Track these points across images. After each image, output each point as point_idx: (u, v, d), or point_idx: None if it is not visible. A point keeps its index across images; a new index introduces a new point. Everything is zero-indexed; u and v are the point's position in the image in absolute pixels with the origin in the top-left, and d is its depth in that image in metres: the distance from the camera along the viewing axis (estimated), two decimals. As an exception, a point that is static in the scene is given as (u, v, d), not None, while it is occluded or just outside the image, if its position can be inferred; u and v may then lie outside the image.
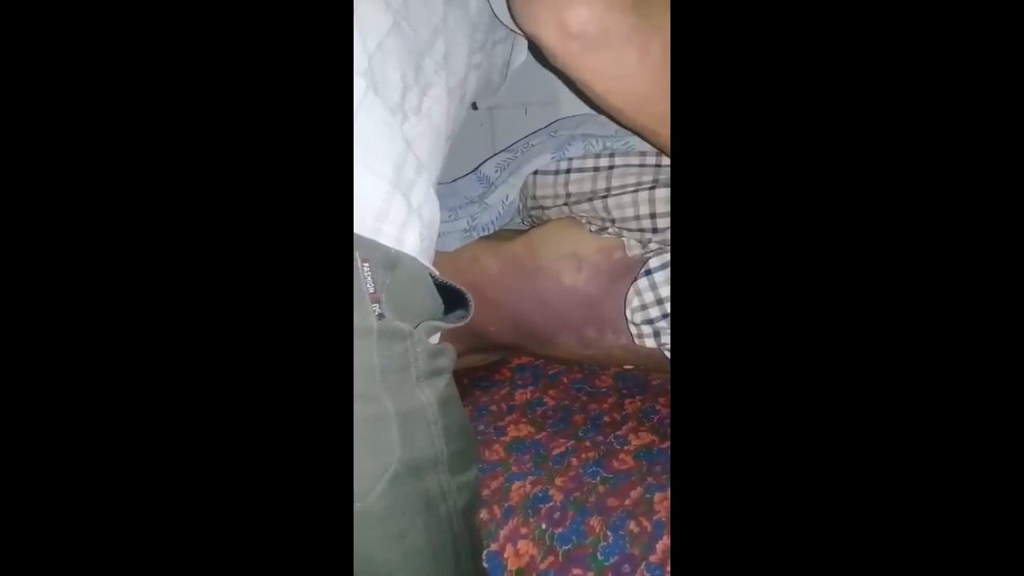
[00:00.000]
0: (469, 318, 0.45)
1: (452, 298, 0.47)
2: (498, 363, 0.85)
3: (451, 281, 0.46)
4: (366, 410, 0.41)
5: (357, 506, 0.40)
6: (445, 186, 0.85)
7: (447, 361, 0.47)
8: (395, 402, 0.42)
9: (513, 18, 0.55)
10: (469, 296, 0.46)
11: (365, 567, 0.41)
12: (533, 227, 0.82)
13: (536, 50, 0.56)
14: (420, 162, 0.46)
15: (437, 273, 0.46)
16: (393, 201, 0.43)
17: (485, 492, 0.66)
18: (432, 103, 0.50)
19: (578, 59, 0.51)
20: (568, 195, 0.76)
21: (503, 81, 0.67)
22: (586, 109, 0.82)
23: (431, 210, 0.47)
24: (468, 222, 0.80)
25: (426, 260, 0.46)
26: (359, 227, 0.41)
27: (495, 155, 0.84)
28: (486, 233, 0.81)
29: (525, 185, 0.80)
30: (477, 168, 0.84)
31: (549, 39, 0.52)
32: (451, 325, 0.45)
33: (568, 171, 0.76)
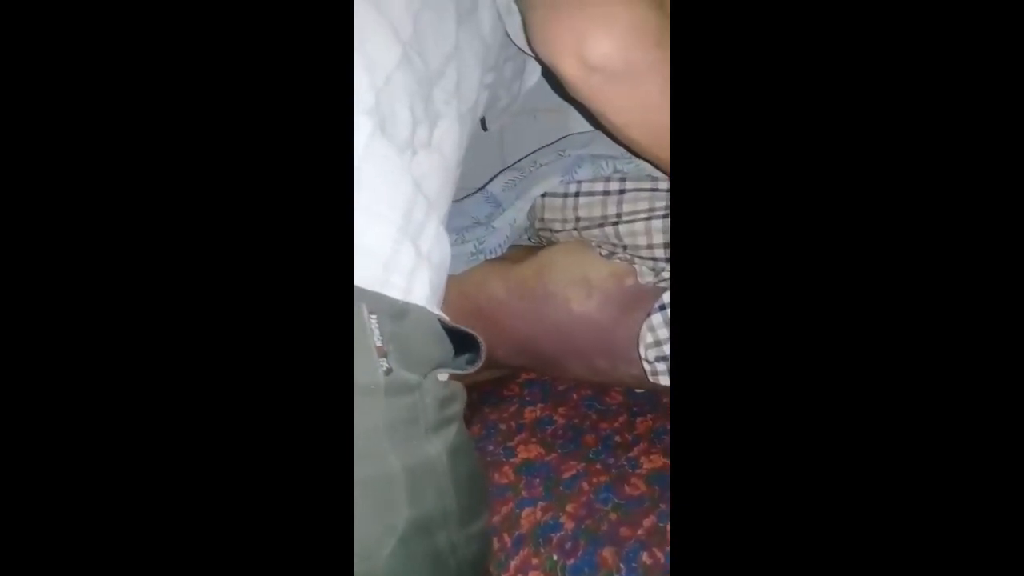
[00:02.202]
0: (480, 363, 0.42)
1: (462, 340, 0.43)
2: (506, 378, 0.87)
3: (461, 326, 0.42)
4: (371, 470, 0.38)
5: (362, 567, 0.37)
6: (452, 205, 0.81)
7: (458, 407, 0.45)
8: (402, 458, 0.40)
9: (530, 45, 0.51)
10: (480, 340, 0.43)
11: None
12: (541, 247, 0.83)
13: (551, 77, 0.51)
14: (430, 202, 0.44)
15: (447, 319, 0.42)
16: (401, 249, 0.41)
17: (495, 518, 0.68)
18: (442, 135, 0.47)
19: (598, 92, 0.49)
20: (578, 219, 0.77)
21: (513, 99, 0.63)
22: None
23: (441, 252, 0.44)
24: (475, 245, 0.81)
25: (435, 305, 0.43)
26: (366, 279, 0.39)
27: (502, 172, 0.86)
28: (493, 256, 0.82)
29: (533, 207, 0.80)
30: (484, 187, 0.86)
31: (568, 70, 0.51)
32: (462, 371, 0.42)
33: (577, 195, 0.77)
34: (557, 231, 0.78)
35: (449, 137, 0.51)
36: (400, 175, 0.44)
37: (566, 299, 0.76)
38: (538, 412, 0.82)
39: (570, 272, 0.77)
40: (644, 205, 0.71)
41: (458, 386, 0.48)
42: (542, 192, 0.78)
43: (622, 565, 0.61)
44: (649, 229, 0.70)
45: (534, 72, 0.67)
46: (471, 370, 0.46)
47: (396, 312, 0.42)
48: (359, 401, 0.40)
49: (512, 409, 0.82)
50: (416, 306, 0.44)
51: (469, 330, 0.46)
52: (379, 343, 0.40)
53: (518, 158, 0.87)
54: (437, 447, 0.44)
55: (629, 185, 0.73)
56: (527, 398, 0.84)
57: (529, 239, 0.84)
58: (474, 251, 0.79)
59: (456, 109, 0.51)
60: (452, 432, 0.46)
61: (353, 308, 0.39)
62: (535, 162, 0.82)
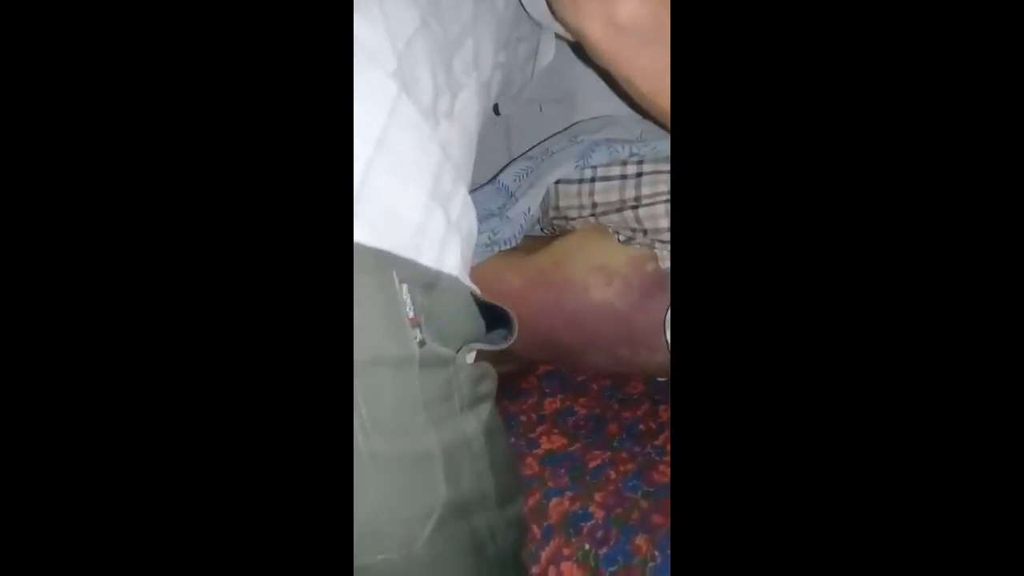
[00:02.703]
0: (514, 338, 0.40)
1: (492, 317, 0.45)
2: (523, 370, 0.85)
3: (491, 301, 0.40)
4: (409, 448, 0.36)
5: (401, 552, 0.35)
6: None
7: (491, 386, 0.43)
8: (439, 436, 0.38)
9: (552, 11, 0.49)
10: (512, 315, 0.41)
11: None
12: (556, 237, 0.81)
13: (575, 47, 0.50)
14: (457, 170, 0.42)
15: (478, 291, 0.41)
16: (432, 216, 0.39)
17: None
18: (463, 106, 0.46)
19: (625, 55, 0.48)
20: (594, 205, 0.75)
21: (526, 82, 0.62)
22: (605, 107, 0.77)
23: (470, 221, 0.43)
24: (489, 236, 0.78)
25: (465, 278, 0.41)
26: (396, 244, 0.37)
27: (513, 162, 0.85)
28: (508, 247, 0.80)
29: (547, 195, 0.79)
30: (495, 178, 0.85)
31: (595, 33, 0.50)
32: (495, 347, 0.40)
33: (593, 180, 0.75)
34: (573, 218, 0.77)
35: (470, 108, 0.49)
36: (427, 139, 0.42)
37: (585, 287, 0.75)
38: (558, 403, 0.80)
39: (588, 259, 0.76)
40: (664, 187, 0.70)
41: (488, 367, 0.47)
42: (556, 179, 0.76)
43: (656, 552, 0.59)
44: (670, 211, 0.68)
45: (547, 53, 0.66)
46: (504, 345, 0.45)
47: (428, 281, 0.41)
48: (392, 375, 0.38)
49: (532, 401, 0.81)
50: (448, 275, 0.42)
51: (501, 305, 0.45)
52: (411, 314, 0.39)
53: (525, 150, 0.85)
54: (473, 426, 0.43)
55: (647, 168, 0.71)
56: (546, 390, 0.83)
57: (543, 229, 0.83)
58: (488, 242, 0.77)
59: (476, 81, 0.50)
60: (487, 411, 0.45)
61: (377, 274, 0.37)
62: (547, 150, 0.80)
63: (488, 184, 0.83)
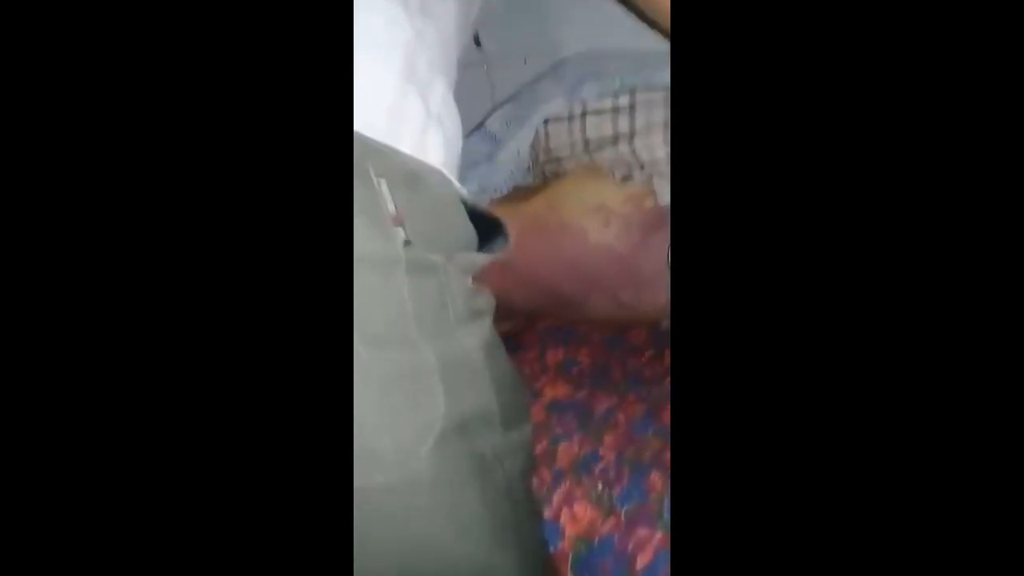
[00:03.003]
0: (510, 247, 0.37)
1: (484, 229, 0.38)
2: (523, 328, 0.83)
3: (482, 207, 0.37)
4: (403, 360, 0.34)
5: (401, 473, 0.32)
6: None
7: (486, 302, 0.39)
8: (435, 349, 0.34)
9: None
10: (504, 223, 0.37)
11: (413, 546, 0.33)
12: (549, 183, 0.78)
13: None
14: (433, 62, 0.38)
15: (467, 195, 0.37)
16: (408, 100, 0.36)
17: (530, 458, 0.59)
18: (438, 5, 0.41)
19: None
20: (587, 142, 0.72)
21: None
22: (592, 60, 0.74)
23: (453, 123, 0.39)
24: (479, 184, 0.76)
25: (452, 177, 0.37)
26: (367, 126, 0.33)
27: (498, 107, 0.80)
28: (499, 195, 0.77)
29: (536, 137, 0.76)
30: (480, 125, 0.81)
31: None
32: (489, 258, 0.37)
33: (584, 115, 0.72)
34: (565, 158, 0.73)
35: (446, 11, 0.45)
36: (397, 14, 0.39)
37: (582, 230, 0.72)
38: (561, 355, 0.78)
39: (584, 201, 0.72)
40: (660, 115, 0.67)
41: (482, 286, 0.43)
42: (544, 118, 0.73)
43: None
44: (669, 139, 0.65)
45: None
46: (499, 254, 0.41)
47: (409, 175, 0.37)
48: (377, 280, 0.35)
49: (532, 354, 0.78)
50: (433, 169, 0.38)
51: (490, 211, 0.41)
52: (393, 211, 0.35)
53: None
54: (471, 340, 0.39)
55: (640, 98, 0.68)
56: (548, 343, 0.80)
57: (535, 178, 0.79)
58: (478, 190, 0.74)
59: None
60: (485, 327, 0.41)
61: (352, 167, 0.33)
62: (533, 91, 0.77)
63: (474, 132, 0.80)
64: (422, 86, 0.39)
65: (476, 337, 0.40)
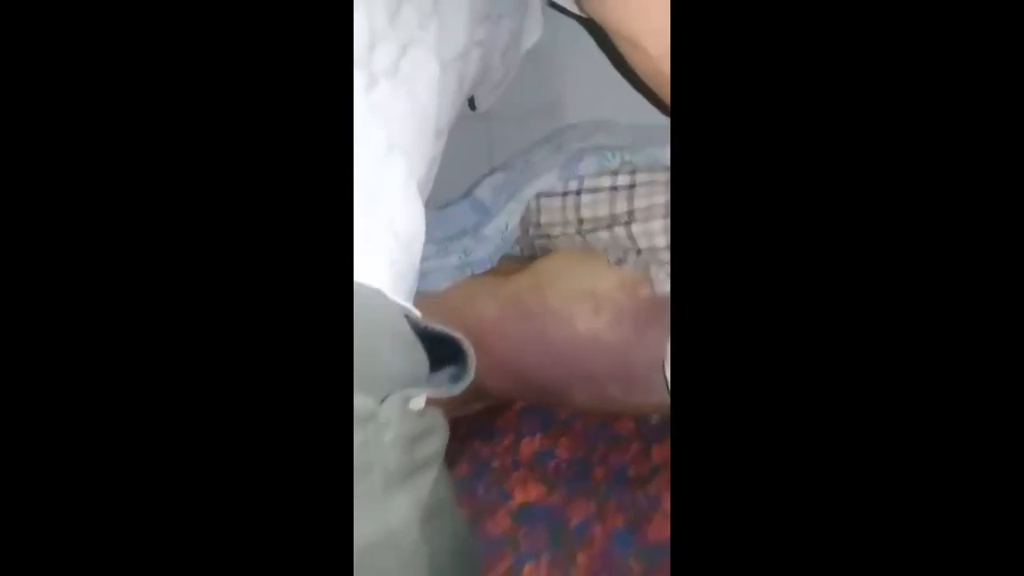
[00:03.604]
0: (468, 380, 0.30)
1: (440, 348, 0.35)
2: (499, 407, 0.76)
3: (437, 326, 0.30)
4: None
5: None
6: (433, 214, 0.72)
7: (436, 446, 0.36)
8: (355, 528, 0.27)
9: None
10: (465, 345, 0.35)
11: None
12: (537, 258, 0.72)
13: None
14: (393, 142, 0.31)
15: (417, 314, 0.30)
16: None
17: (489, 580, 0.57)
18: (413, 69, 0.35)
19: (633, 4, 0.42)
20: (581, 221, 0.67)
21: (508, 70, 0.52)
22: (595, 116, 0.68)
23: (410, 221, 0.32)
24: (460, 257, 0.70)
25: (402, 295, 0.30)
26: None
27: (490, 175, 0.76)
28: (482, 270, 0.71)
29: (527, 210, 0.70)
30: (469, 192, 0.76)
31: None
32: (439, 393, 0.30)
33: (579, 192, 0.66)
34: (556, 236, 0.68)
35: (423, 75, 0.39)
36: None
37: (570, 316, 0.66)
38: (537, 445, 0.71)
39: (573, 284, 0.67)
40: (661, 199, 0.61)
41: (437, 418, 0.36)
42: (537, 192, 0.67)
43: (653, 635, 0.49)
44: (670, 227, 0.59)
45: (532, 33, 0.57)
46: (456, 390, 0.34)
47: None
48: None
49: (507, 442, 0.72)
50: (370, 290, 0.31)
51: (450, 331, 0.34)
52: None
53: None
54: (402, 510, 0.32)
55: (641, 178, 0.63)
56: (524, 429, 0.73)
57: (522, 250, 0.73)
58: (460, 263, 0.68)
59: (435, 41, 0.39)
60: (426, 485, 0.33)
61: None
62: (528, 160, 0.71)
63: (462, 200, 0.74)
64: (371, 167, 0.32)
65: (411, 503, 0.32)
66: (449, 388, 0.34)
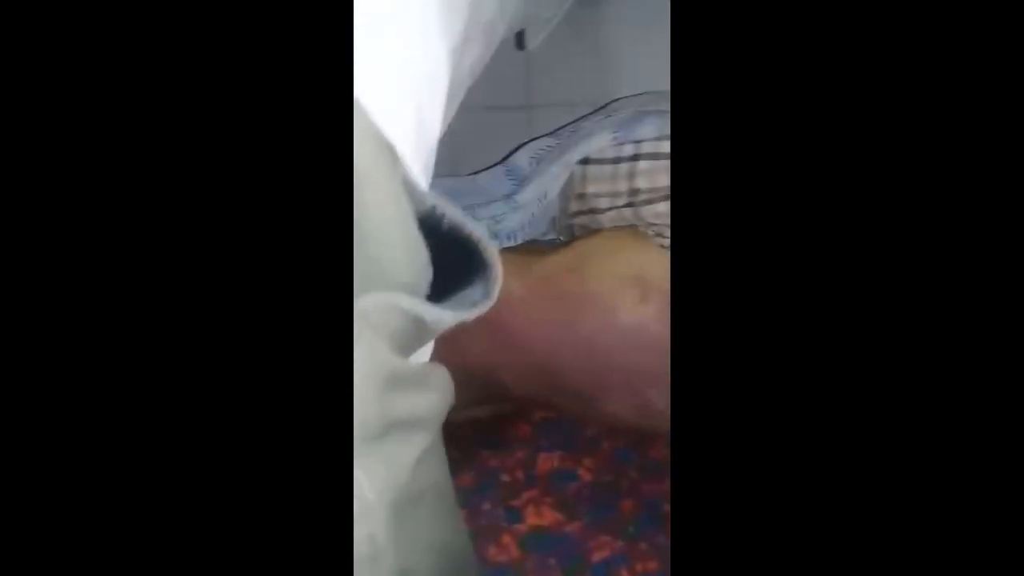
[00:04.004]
0: (491, 301, 0.26)
1: (455, 261, 0.25)
2: (513, 415, 0.67)
3: (458, 223, 0.26)
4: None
5: None
6: (460, 180, 0.66)
7: (430, 405, 0.26)
8: None
9: None
10: (489, 255, 0.26)
11: None
12: (576, 240, 0.62)
13: None
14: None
15: (422, 189, 0.21)
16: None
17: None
18: None
19: None
20: (635, 191, 0.56)
21: (560, 5, 0.43)
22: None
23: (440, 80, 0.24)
24: (490, 224, 0.60)
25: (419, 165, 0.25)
26: None
27: (531, 141, 0.65)
28: (512, 243, 0.61)
29: (571, 179, 0.59)
30: (506, 158, 0.65)
31: None
32: (452, 317, 0.24)
33: (636, 157, 0.56)
34: (603, 210, 0.58)
35: None
36: None
37: (611, 303, 0.56)
38: (556, 462, 0.63)
39: (618, 266, 0.56)
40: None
41: (440, 373, 0.27)
42: (584, 156, 0.57)
43: None
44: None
45: None
46: (474, 313, 0.24)
47: None
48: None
49: (520, 455, 0.63)
50: (373, 130, 0.21)
51: (471, 230, 0.24)
52: None
53: (470, 163, 0.67)
54: (362, 485, 0.22)
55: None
56: (542, 443, 0.65)
57: (558, 235, 0.63)
58: (487, 232, 0.57)
59: None
60: (405, 458, 0.24)
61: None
62: (576, 127, 0.62)
63: (496, 165, 0.65)
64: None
65: (374, 480, 0.22)
66: (469, 311, 0.24)
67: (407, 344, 0.25)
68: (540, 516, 0.56)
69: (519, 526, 0.55)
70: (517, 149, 0.66)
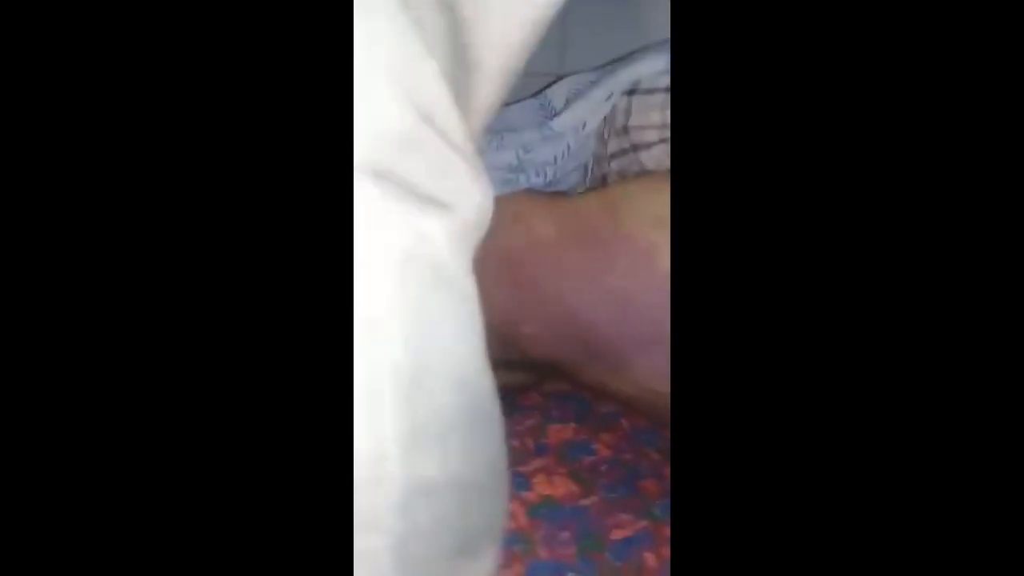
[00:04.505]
0: None
1: None
2: (525, 387, 0.60)
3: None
4: None
5: None
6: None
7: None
8: None
9: None
10: None
11: None
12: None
13: None
14: None
15: None
16: None
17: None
18: None
19: None
20: None
21: None
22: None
23: None
24: (518, 155, 0.53)
25: None
26: None
27: (567, 76, 0.58)
28: (541, 180, 0.54)
29: (613, 113, 0.53)
30: (540, 92, 0.58)
31: None
32: None
33: None
34: (648, 145, 0.51)
35: None
36: None
37: (648, 247, 0.49)
38: (570, 433, 0.56)
39: (657, 207, 0.49)
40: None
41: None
42: (630, 86, 0.50)
43: None
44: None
45: None
46: None
47: None
48: None
49: (531, 422, 0.57)
50: None
51: None
52: None
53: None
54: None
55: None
56: (554, 413, 0.58)
57: (590, 182, 0.56)
58: (515, 164, 0.51)
59: None
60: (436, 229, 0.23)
61: None
62: (619, 61, 0.55)
63: (529, 98, 0.58)
64: None
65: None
66: None
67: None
68: (552, 486, 0.50)
69: (528, 494, 0.49)
70: (551, 84, 0.60)
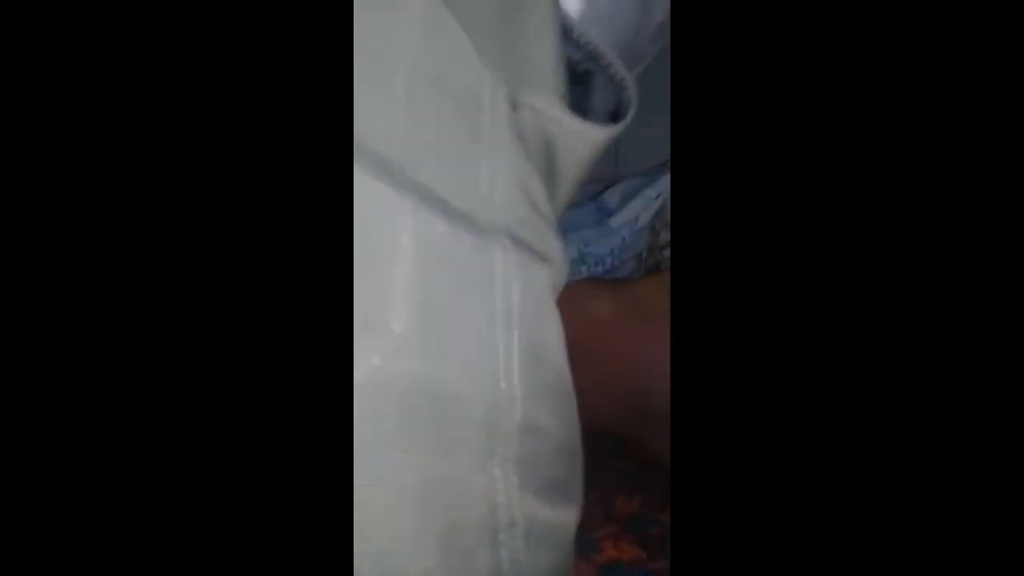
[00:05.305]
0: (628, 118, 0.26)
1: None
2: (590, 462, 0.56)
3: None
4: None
5: None
6: None
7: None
8: None
9: None
10: (627, 79, 0.28)
11: None
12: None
13: None
14: None
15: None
16: None
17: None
18: None
19: None
20: None
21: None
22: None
23: None
24: (579, 249, 0.59)
25: None
26: None
27: (621, 182, 0.64)
28: (600, 270, 0.60)
29: (663, 207, 0.59)
30: (597, 196, 0.64)
31: None
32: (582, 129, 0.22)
33: None
34: None
35: None
36: None
37: None
38: (636, 506, 0.57)
39: None
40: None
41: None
42: (680, 185, 0.56)
43: None
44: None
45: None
46: (611, 132, 0.24)
47: None
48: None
49: (595, 494, 0.57)
50: None
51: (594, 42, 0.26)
52: None
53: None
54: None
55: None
56: (617, 485, 0.59)
57: (646, 269, 0.61)
58: (576, 257, 0.56)
59: None
60: (537, 278, 0.28)
61: None
62: (667, 165, 0.61)
63: (587, 202, 0.64)
64: None
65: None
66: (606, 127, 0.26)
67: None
68: (620, 551, 0.51)
69: (596, 556, 0.50)
70: (606, 188, 0.66)
